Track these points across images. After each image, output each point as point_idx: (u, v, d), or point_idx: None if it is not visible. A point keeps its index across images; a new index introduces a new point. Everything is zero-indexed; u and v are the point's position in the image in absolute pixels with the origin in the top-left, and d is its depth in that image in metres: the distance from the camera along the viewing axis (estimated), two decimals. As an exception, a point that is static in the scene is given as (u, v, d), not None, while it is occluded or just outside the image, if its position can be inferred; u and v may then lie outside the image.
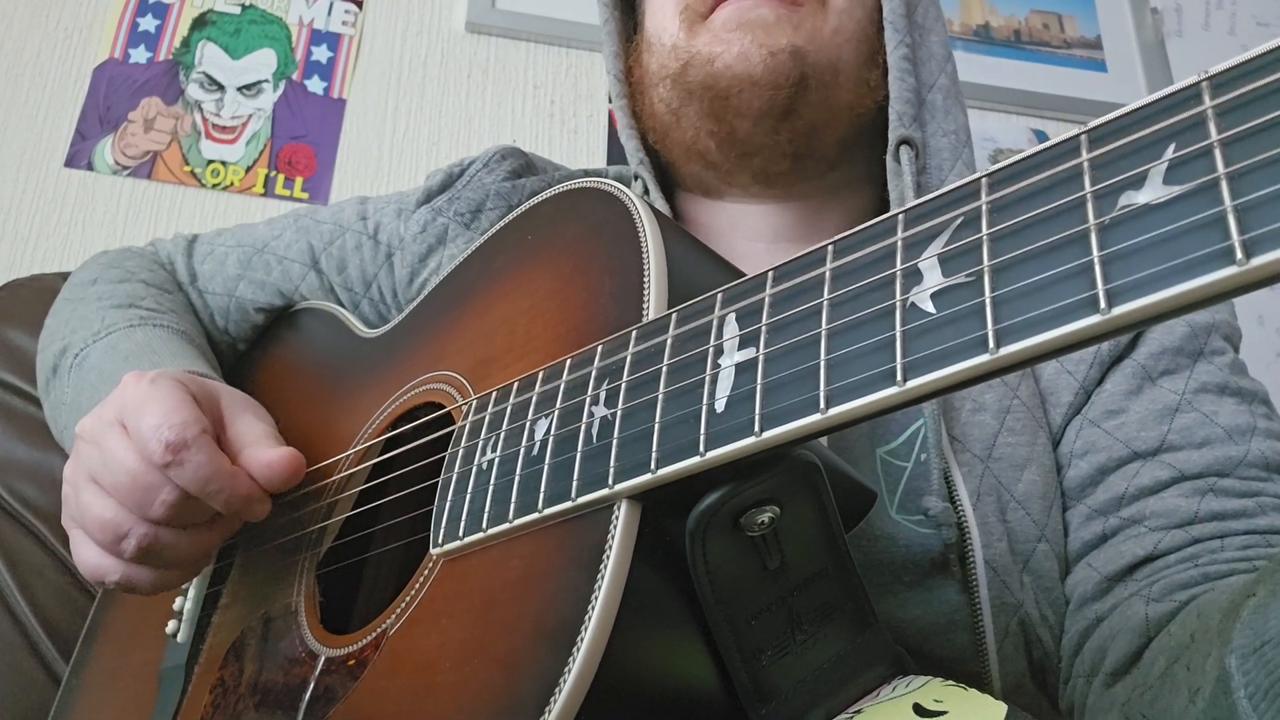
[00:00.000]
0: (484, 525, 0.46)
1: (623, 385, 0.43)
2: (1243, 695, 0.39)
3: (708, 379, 0.40)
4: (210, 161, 1.46)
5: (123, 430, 0.56)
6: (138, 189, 1.43)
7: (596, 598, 0.38)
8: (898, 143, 0.72)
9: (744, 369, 0.38)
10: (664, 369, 0.42)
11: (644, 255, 0.48)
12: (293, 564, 0.62)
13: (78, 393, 0.73)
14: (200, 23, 1.54)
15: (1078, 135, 0.31)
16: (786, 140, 0.73)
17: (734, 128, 0.73)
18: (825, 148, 0.76)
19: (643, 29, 0.82)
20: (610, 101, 0.84)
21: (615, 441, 0.42)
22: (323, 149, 1.50)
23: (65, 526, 0.60)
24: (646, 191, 0.78)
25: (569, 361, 0.47)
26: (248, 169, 1.46)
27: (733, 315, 0.41)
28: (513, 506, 0.45)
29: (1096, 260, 0.29)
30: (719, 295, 0.42)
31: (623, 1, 0.87)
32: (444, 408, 0.57)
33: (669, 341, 0.43)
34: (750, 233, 0.79)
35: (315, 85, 1.53)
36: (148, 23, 1.51)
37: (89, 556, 0.57)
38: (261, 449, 0.59)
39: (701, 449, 0.38)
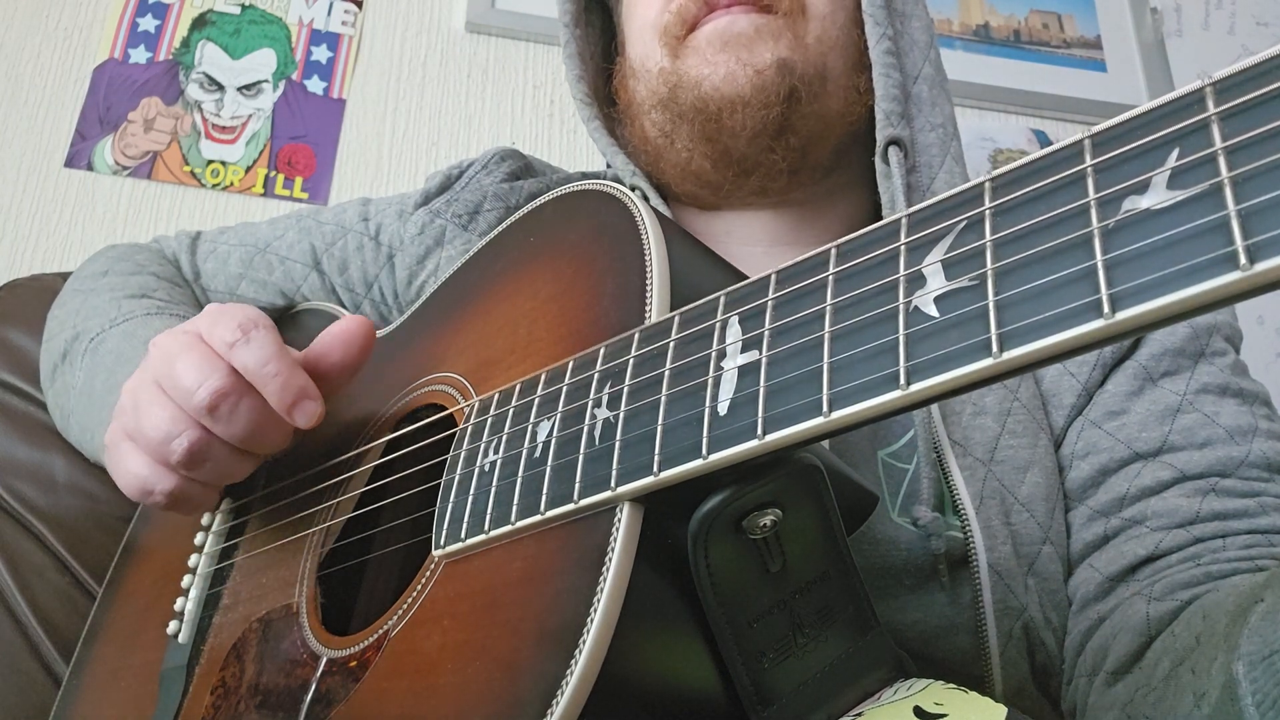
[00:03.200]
0: (486, 527, 0.46)
1: (625, 388, 0.43)
2: (1250, 703, 0.39)
3: (710, 382, 0.40)
4: (210, 161, 1.45)
5: (195, 336, 0.56)
6: (138, 189, 1.43)
7: (599, 599, 0.38)
8: (886, 143, 0.72)
9: (747, 372, 0.39)
10: (667, 372, 0.42)
11: (646, 257, 0.48)
12: (294, 565, 0.62)
13: (90, 376, 0.72)
14: (200, 23, 1.54)
15: (1081, 139, 0.32)
16: (782, 157, 0.73)
17: (728, 148, 0.73)
18: (820, 156, 0.76)
19: (625, 56, 0.82)
20: (584, 125, 0.82)
21: (618, 444, 0.42)
22: (322, 149, 1.50)
23: (111, 442, 0.60)
24: (646, 200, 0.77)
25: (571, 364, 0.47)
26: (248, 169, 1.46)
27: (735, 318, 0.41)
28: (515, 508, 0.45)
29: (1100, 265, 0.29)
30: (722, 298, 0.42)
31: (585, 15, 0.86)
32: (446, 409, 0.57)
33: (672, 344, 0.43)
34: (746, 238, 0.79)
35: (315, 85, 1.53)
36: (147, 23, 1.51)
37: (135, 467, 0.58)
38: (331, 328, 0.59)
39: (704, 452, 0.38)
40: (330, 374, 0.58)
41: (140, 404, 0.57)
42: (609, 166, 0.85)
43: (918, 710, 0.42)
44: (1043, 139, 1.73)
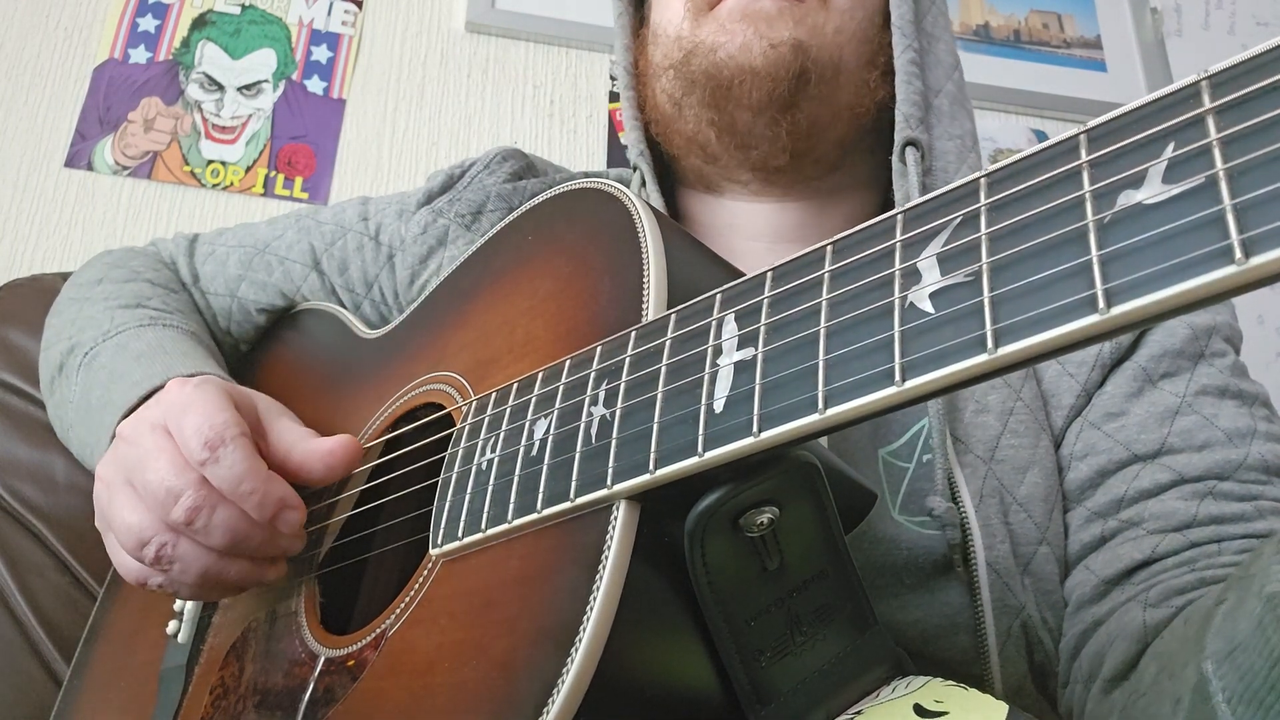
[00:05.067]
0: (483, 525, 0.46)
1: (622, 385, 0.43)
2: (1220, 700, 0.39)
3: (706, 379, 0.40)
4: (210, 161, 1.46)
5: (164, 432, 0.56)
6: (138, 189, 1.43)
7: (595, 598, 0.38)
8: (903, 144, 0.73)
9: (743, 369, 0.38)
10: (663, 369, 0.42)
11: (643, 256, 0.48)
12: (293, 564, 0.62)
13: (87, 391, 0.72)
14: (200, 23, 1.54)
15: (1077, 134, 0.31)
16: (786, 133, 0.73)
17: (734, 118, 0.73)
18: (825, 147, 0.76)
19: (648, 26, 0.83)
20: (619, 93, 0.84)
21: (614, 442, 0.42)
22: (322, 149, 1.50)
23: (99, 528, 0.60)
24: (644, 183, 0.78)
25: (568, 362, 0.47)
26: (248, 169, 1.46)
27: (731, 315, 0.41)
28: (512, 507, 0.45)
29: (1095, 260, 0.29)
30: (718, 296, 0.42)
31: None
32: (444, 408, 0.57)
33: (668, 342, 0.43)
34: (750, 232, 0.79)
35: (315, 85, 1.53)
36: (148, 23, 1.51)
37: (123, 560, 0.58)
38: (316, 440, 0.59)
39: (700, 449, 0.38)
40: (305, 484, 0.58)
41: (114, 501, 0.57)
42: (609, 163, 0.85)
43: (918, 708, 0.42)
44: (1042, 139, 1.72)
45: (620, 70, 0.84)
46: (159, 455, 0.55)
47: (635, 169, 0.80)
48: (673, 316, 0.43)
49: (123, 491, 0.57)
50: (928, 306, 0.33)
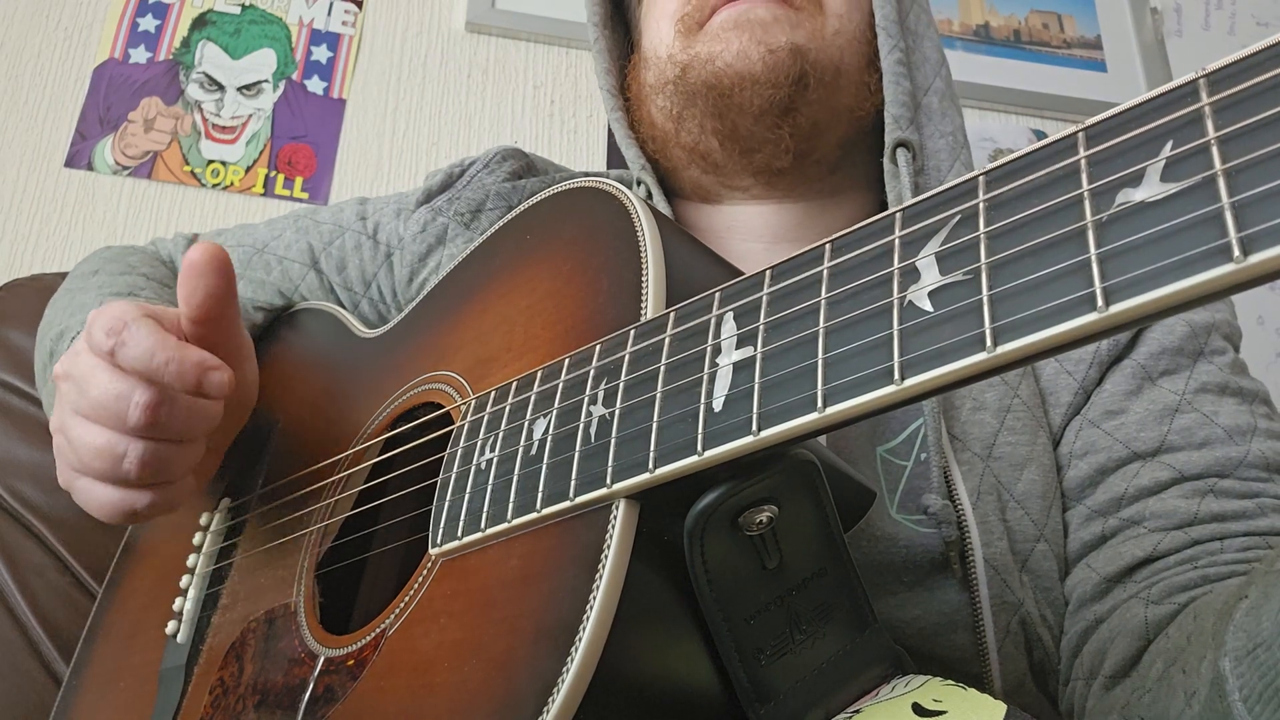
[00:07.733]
0: (482, 525, 0.46)
1: (621, 384, 0.43)
2: (1237, 698, 0.39)
3: (705, 378, 0.40)
4: (210, 161, 1.46)
5: (89, 351, 0.56)
6: (138, 189, 1.43)
7: (595, 597, 0.38)
8: (894, 145, 0.73)
9: (741, 368, 0.38)
10: (662, 368, 0.42)
11: (642, 254, 0.48)
12: (292, 564, 0.62)
13: None
14: (200, 23, 1.54)
15: (1075, 132, 0.31)
16: (789, 136, 0.73)
17: (736, 125, 0.73)
18: (826, 148, 0.76)
19: (639, 51, 0.83)
20: (607, 115, 0.84)
21: (613, 441, 0.42)
22: (323, 149, 1.50)
23: (66, 482, 0.59)
24: (650, 196, 0.78)
25: (567, 361, 0.47)
26: (248, 169, 1.46)
27: (730, 314, 0.41)
28: (511, 506, 0.45)
29: (1094, 258, 0.29)
30: (717, 294, 0.42)
31: (612, 19, 0.88)
32: (443, 407, 0.57)
33: (667, 340, 0.43)
34: (749, 233, 0.79)
35: (315, 85, 1.53)
36: (148, 23, 1.51)
37: (102, 496, 0.57)
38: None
39: (699, 448, 0.38)
40: (211, 312, 0.58)
41: (72, 437, 0.56)
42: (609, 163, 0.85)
43: (916, 707, 0.42)
44: (1042, 139, 1.73)
45: (604, 94, 0.84)
46: (96, 370, 0.55)
47: (640, 183, 0.80)
48: (671, 315, 0.43)
49: (76, 423, 0.56)
50: (926, 305, 0.33)
